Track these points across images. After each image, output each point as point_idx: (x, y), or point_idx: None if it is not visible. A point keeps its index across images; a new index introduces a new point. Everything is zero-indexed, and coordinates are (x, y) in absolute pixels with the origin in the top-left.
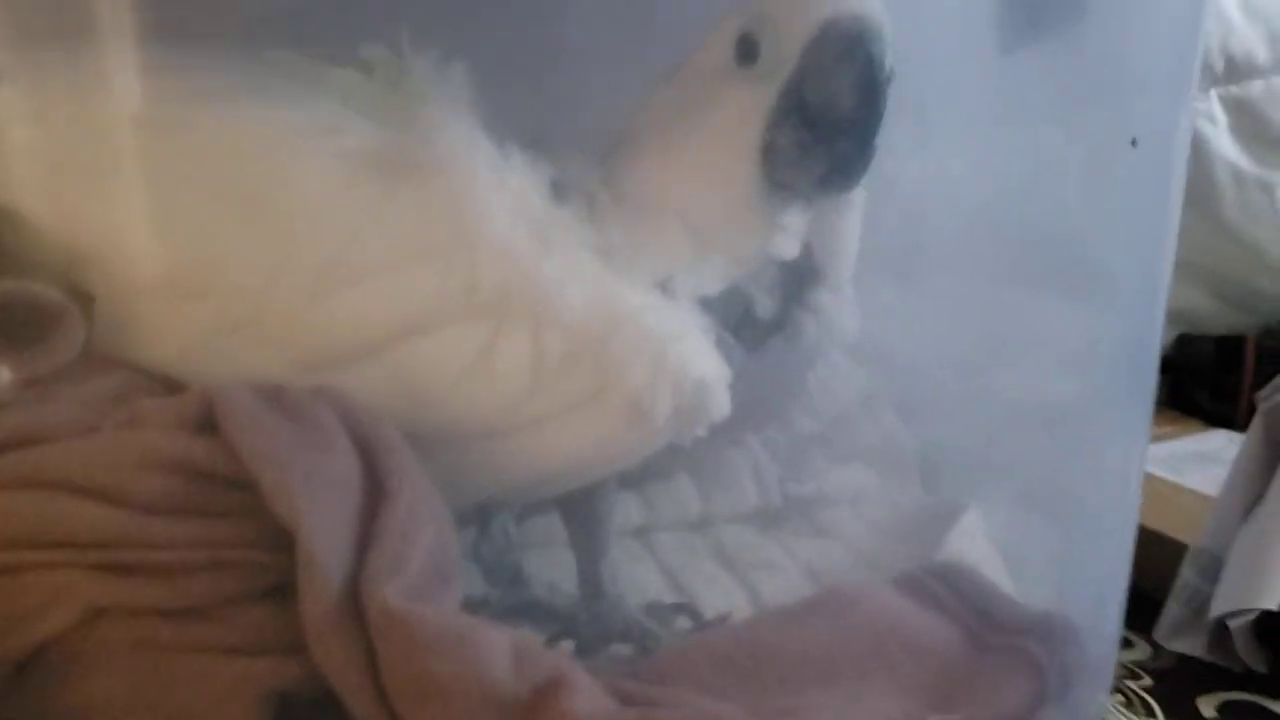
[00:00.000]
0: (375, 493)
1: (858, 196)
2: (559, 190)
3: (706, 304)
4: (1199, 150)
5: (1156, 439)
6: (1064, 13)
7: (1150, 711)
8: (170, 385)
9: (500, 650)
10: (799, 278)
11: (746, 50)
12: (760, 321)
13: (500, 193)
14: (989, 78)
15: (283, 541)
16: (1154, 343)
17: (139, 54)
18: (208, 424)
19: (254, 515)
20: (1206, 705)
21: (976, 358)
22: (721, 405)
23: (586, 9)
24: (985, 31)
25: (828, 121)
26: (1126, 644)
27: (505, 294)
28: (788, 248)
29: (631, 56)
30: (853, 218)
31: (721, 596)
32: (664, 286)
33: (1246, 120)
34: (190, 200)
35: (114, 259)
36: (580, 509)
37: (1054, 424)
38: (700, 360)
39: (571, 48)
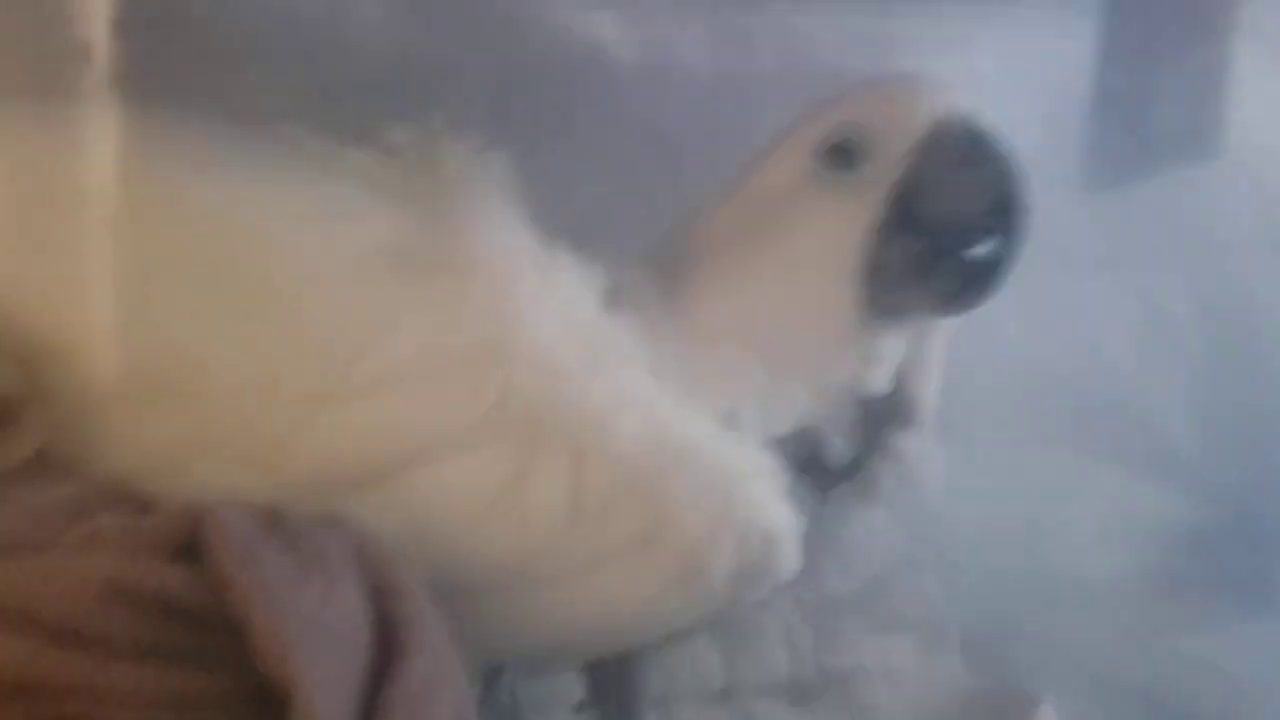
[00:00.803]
0: (387, 647)
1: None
2: (612, 301)
3: (772, 443)
4: None
5: None
6: (1190, 146)
7: None
8: (140, 501)
9: None
10: (882, 415)
11: (841, 158)
12: (830, 467)
13: (546, 297)
14: (1064, 219)
15: (272, 700)
16: None
17: (121, 111)
18: (187, 549)
19: (239, 666)
20: None
21: (1032, 526)
22: (790, 564)
23: (646, 99)
24: (1068, 164)
25: (956, 231)
26: None
27: (543, 415)
28: (881, 380)
29: (694, 157)
30: (941, 341)
31: None
32: (728, 420)
33: None
34: (171, 286)
35: (77, 350)
36: (612, 678)
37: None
38: (770, 509)
39: (629, 141)
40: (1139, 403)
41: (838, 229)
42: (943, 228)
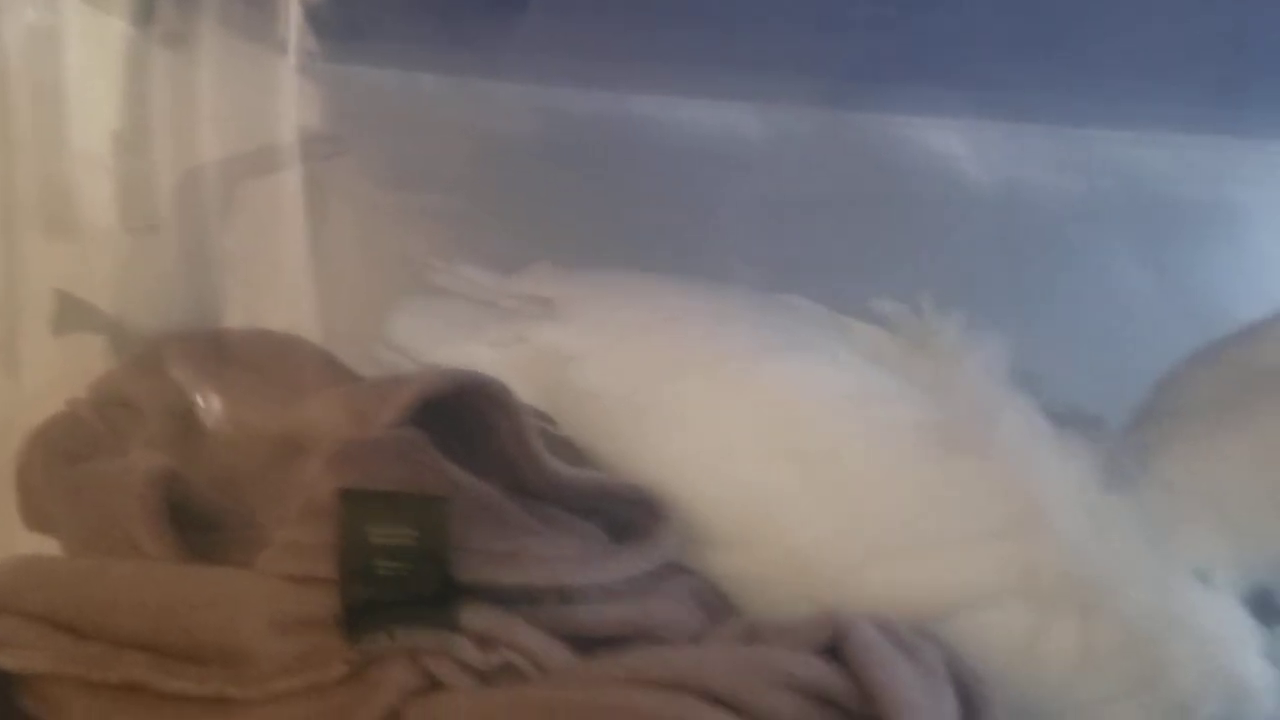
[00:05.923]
0: None
1: None
2: (1107, 475)
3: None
4: None
5: None
6: None
7: None
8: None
9: None
10: None
11: None
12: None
13: (1062, 481)
14: None
15: None
16: None
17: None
18: (828, 652)
19: None
20: None
21: None
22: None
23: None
24: None
25: None
26: None
27: (1057, 582)
28: None
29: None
30: None
31: None
32: (1201, 578)
33: None
34: (746, 451)
35: (674, 489)
36: None
37: None
38: (1249, 666)
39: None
40: None
41: None
42: None
